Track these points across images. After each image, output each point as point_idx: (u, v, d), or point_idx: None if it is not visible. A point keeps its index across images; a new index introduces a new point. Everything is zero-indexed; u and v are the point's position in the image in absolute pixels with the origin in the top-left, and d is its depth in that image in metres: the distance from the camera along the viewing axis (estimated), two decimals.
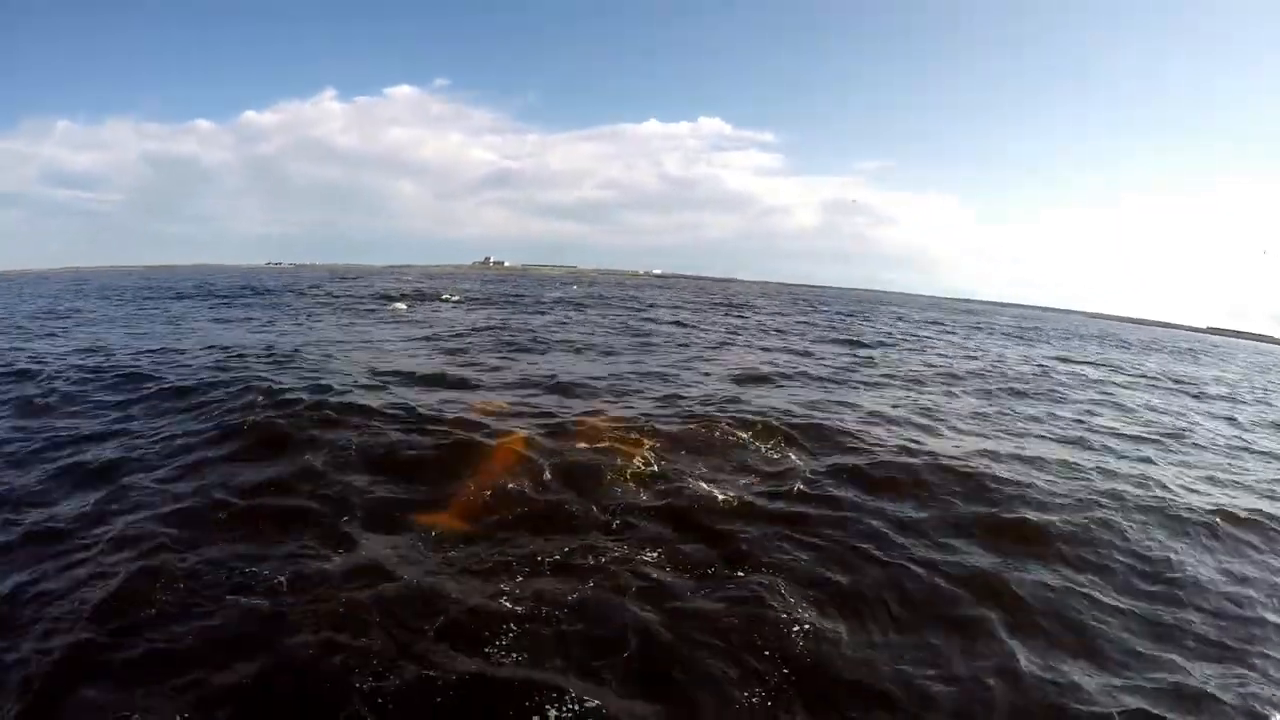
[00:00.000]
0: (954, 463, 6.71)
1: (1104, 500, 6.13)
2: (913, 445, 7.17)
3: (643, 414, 7.87)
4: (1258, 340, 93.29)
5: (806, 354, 15.91)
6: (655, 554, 4.47)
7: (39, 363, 10.15)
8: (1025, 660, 3.71)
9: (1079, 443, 8.61)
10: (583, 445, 6.42)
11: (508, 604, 3.75)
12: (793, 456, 6.70)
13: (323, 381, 8.70)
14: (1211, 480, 7.55)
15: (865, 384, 11.85)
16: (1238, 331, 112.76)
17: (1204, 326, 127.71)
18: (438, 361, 11.28)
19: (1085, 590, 4.59)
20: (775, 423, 7.75)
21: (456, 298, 26.19)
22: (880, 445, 7.16)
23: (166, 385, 8.52)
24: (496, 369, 10.69)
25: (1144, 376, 18.94)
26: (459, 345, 13.55)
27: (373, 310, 21.43)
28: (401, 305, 22.74)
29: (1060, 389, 13.84)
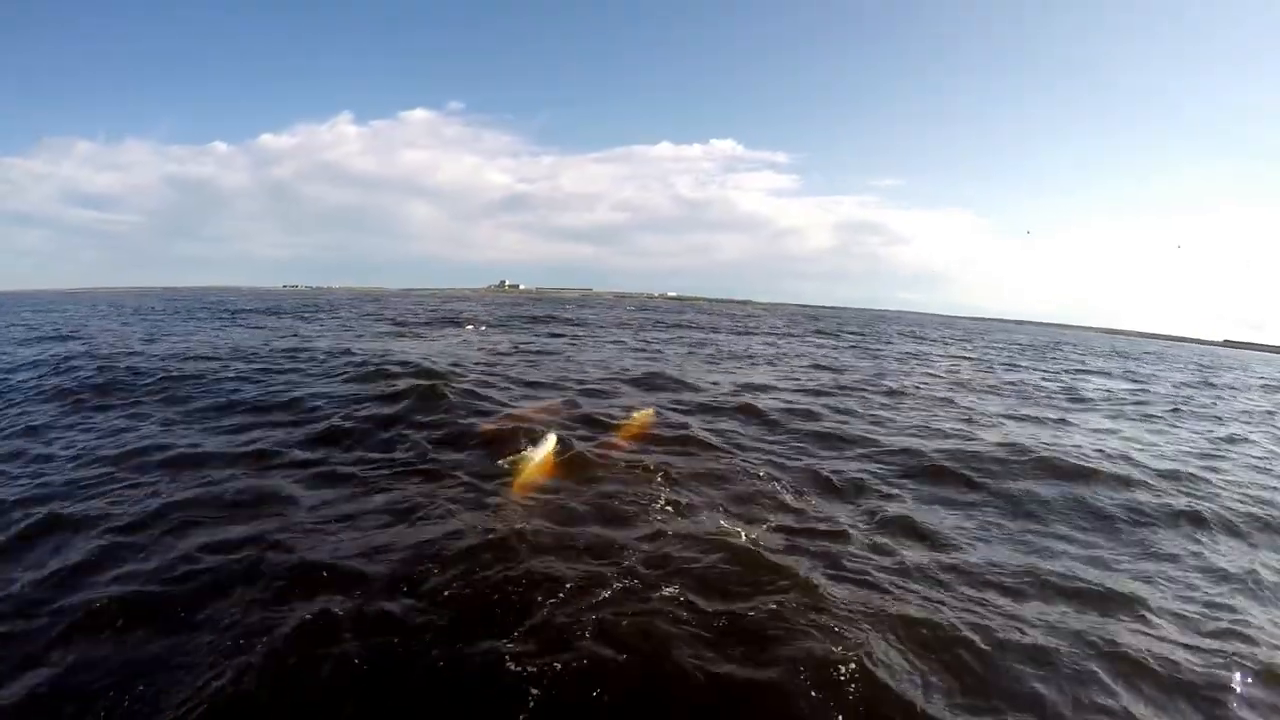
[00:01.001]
0: (998, 473, 6.81)
1: (1183, 513, 6.21)
2: (954, 462, 7.15)
3: (670, 424, 8.03)
4: (1273, 352, 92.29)
5: (832, 370, 16.04)
6: (677, 579, 4.05)
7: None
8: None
9: (1120, 457, 8.47)
10: (612, 454, 6.54)
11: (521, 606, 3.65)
12: (821, 468, 6.70)
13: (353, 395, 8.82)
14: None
15: (893, 398, 11.92)
16: (1251, 344, 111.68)
17: (1219, 340, 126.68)
18: (474, 377, 11.23)
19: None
20: (801, 435, 7.95)
21: (472, 324, 26.29)
22: (920, 459, 7.17)
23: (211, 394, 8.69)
24: (524, 385, 10.68)
25: (1176, 390, 18.88)
26: (491, 363, 13.45)
27: (396, 333, 21.52)
28: (421, 330, 22.91)
29: (1094, 404, 13.90)
